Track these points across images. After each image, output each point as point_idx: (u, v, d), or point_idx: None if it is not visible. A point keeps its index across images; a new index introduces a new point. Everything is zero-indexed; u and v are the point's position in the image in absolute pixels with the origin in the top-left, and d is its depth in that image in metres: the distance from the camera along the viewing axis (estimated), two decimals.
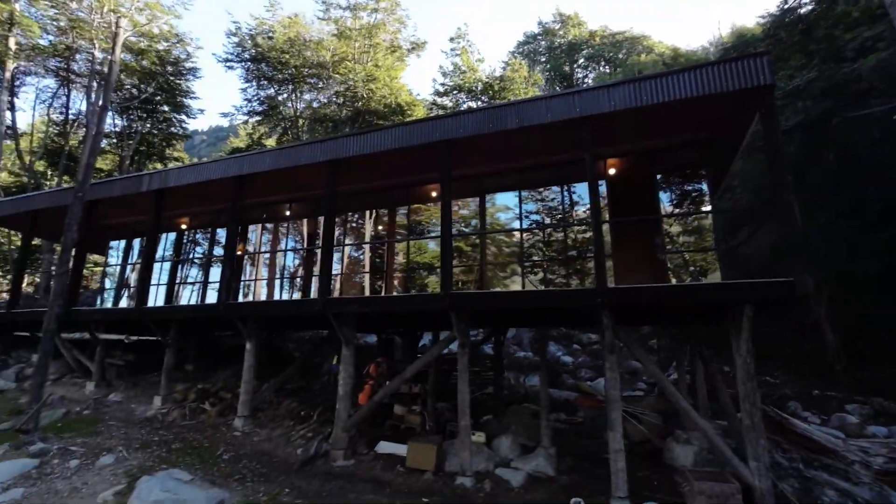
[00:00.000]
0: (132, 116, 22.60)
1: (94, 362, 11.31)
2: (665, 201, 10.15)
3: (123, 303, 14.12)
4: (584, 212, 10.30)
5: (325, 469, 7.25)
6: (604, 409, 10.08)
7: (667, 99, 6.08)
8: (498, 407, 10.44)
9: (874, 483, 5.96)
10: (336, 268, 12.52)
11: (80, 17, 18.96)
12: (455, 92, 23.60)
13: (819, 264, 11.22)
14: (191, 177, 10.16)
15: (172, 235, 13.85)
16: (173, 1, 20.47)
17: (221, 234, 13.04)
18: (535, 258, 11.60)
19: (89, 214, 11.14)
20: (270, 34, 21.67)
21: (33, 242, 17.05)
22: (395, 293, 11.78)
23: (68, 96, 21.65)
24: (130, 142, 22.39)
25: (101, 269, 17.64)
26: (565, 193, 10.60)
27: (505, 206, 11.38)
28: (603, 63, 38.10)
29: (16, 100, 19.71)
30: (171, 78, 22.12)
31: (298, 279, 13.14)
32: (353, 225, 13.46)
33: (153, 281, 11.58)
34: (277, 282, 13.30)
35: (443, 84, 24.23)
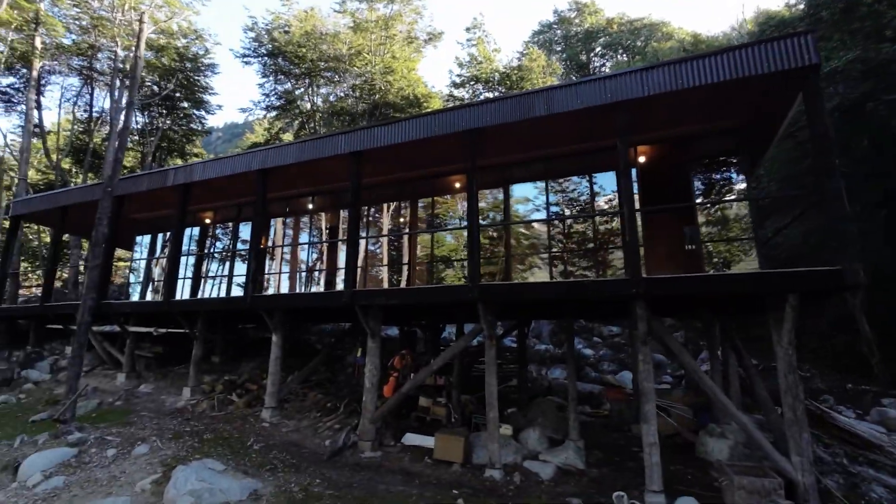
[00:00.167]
0: (153, 113, 22.93)
1: (125, 354, 11.57)
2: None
3: (148, 297, 14.38)
4: (607, 202, 10.09)
5: (353, 460, 7.29)
6: (631, 402, 9.99)
7: (705, 82, 5.86)
8: (522, 399, 10.38)
9: None
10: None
11: (102, 15, 19.23)
12: (472, 83, 23.34)
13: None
14: (216, 170, 10.24)
15: (196, 230, 14.03)
16: None
17: (244, 228, 13.15)
18: (554, 250, 11.43)
19: (118, 209, 11.33)
20: (287, 28, 21.70)
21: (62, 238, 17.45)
22: (415, 286, 11.75)
23: (91, 94, 22.08)
24: (152, 138, 22.73)
25: (128, 263, 18.01)
26: (586, 184, 10.38)
27: (524, 197, 11.23)
28: (621, 51, 37.24)
29: (42, 98, 20.17)
30: (191, 74, 22.35)
31: (317, 273, 13.20)
32: (370, 219, 13.45)
33: (179, 275, 11.75)
34: (299, 275, 13.38)
35: (459, 75, 23.99)
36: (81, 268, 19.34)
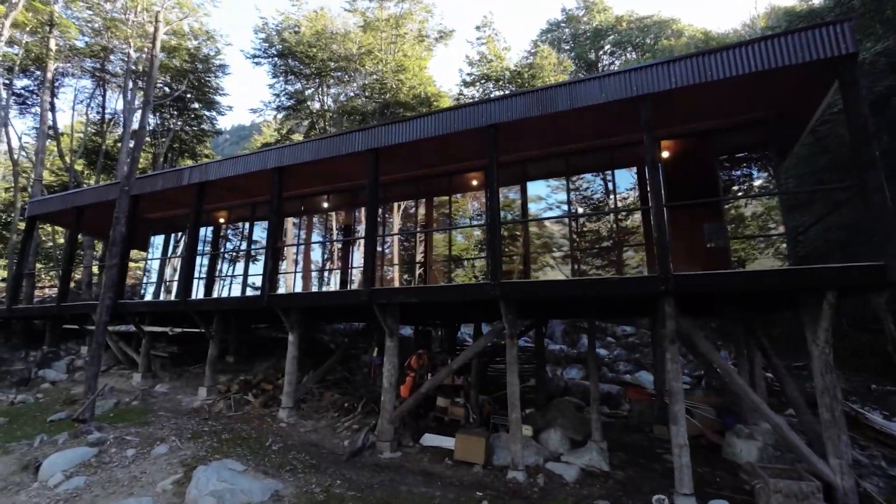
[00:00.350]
0: (165, 114, 23.05)
1: (141, 354, 11.58)
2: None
3: (161, 297, 14.39)
4: (621, 200, 9.91)
5: (372, 461, 7.19)
6: (653, 403, 9.80)
7: (736, 73, 5.69)
8: (539, 400, 10.24)
9: None
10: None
11: (115, 17, 19.35)
12: (482, 81, 23.21)
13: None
14: (231, 169, 10.20)
15: (210, 230, 14.02)
16: None
17: (258, 227, 13.11)
18: (565, 249, 11.28)
19: (133, 209, 11.34)
20: (297, 28, 21.72)
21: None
22: (435, 284, 11.63)
23: (104, 96, 22.23)
24: (164, 140, 22.85)
25: (139, 264, 18.05)
26: (600, 181, 10.23)
27: (537, 195, 11.11)
28: (630, 49, 36.92)
29: (56, 100, 20.34)
30: (202, 75, 22.44)
31: (326, 272, 13.12)
32: (380, 219, 13.35)
33: (194, 274, 11.73)
34: (313, 274, 13.32)
35: (469, 74, 23.88)
36: (95, 269, 19.46)
